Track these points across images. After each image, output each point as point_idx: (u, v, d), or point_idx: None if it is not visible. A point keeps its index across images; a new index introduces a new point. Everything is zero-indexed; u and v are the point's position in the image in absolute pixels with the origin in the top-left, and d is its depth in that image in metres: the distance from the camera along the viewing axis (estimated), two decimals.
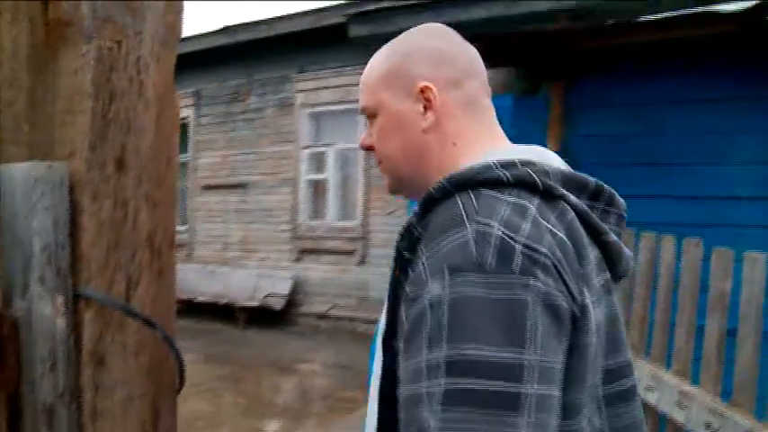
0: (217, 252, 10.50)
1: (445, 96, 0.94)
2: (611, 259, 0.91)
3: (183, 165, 11.15)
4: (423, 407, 0.74)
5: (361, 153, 8.83)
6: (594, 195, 0.91)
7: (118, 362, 0.96)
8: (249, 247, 10.13)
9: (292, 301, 9.35)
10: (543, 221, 0.80)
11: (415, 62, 0.96)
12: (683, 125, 3.01)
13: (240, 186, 10.19)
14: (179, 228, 11.23)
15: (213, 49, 9.80)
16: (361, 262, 8.88)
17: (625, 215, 0.96)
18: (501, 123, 1.00)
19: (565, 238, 0.81)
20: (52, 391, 0.89)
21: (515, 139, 1.00)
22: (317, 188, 9.59)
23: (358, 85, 1.04)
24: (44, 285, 0.89)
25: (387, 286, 0.95)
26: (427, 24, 1.00)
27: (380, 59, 1.00)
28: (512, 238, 0.77)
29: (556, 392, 0.76)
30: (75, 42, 0.96)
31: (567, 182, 0.87)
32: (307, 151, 9.52)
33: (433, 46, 0.96)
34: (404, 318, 0.82)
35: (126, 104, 0.98)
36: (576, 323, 0.80)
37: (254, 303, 9.31)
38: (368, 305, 8.73)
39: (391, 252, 0.92)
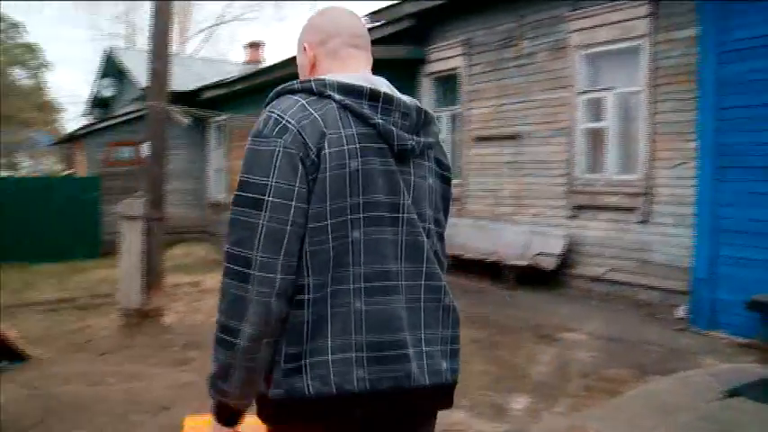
0: (488, 206, 10.15)
1: (317, 50, 1.66)
2: (382, 135, 1.51)
3: (455, 116, 10.92)
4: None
5: (645, 97, 7.70)
6: (370, 98, 1.51)
7: None
8: (522, 201, 9.58)
9: (565, 261, 8.64)
10: (308, 108, 1.47)
11: (303, 31, 1.70)
12: None
13: (513, 137, 9.64)
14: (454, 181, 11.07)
15: None
16: (644, 221, 7.81)
17: (408, 112, 1.55)
18: None
19: (317, 118, 1.46)
20: None
21: None
22: (595, 138, 8.65)
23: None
24: None
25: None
26: (321, 8, 1.72)
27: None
28: (280, 117, 1.47)
29: (290, 203, 1.42)
30: None
31: (344, 89, 1.50)
32: (583, 97, 8.61)
33: (312, 22, 1.69)
34: None
35: None
36: (315, 167, 1.44)
37: (524, 262, 8.78)
38: (649, 270, 7.68)
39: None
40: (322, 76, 1.53)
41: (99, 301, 8.76)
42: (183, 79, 15.32)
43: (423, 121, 1.59)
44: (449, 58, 10.75)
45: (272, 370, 1.47)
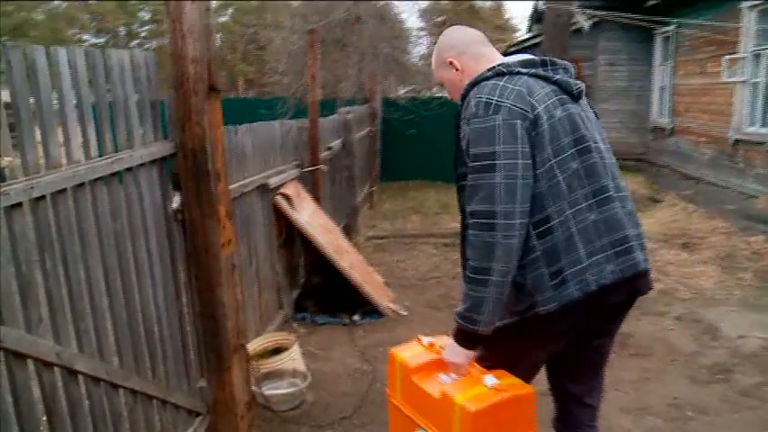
0: None
1: (460, 60, 2.20)
2: (562, 87, 2.07)
3: None
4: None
5: None
6: (542, 65, 2.09)
7: None
8: None
9: None
10: (509, 86, 1.98)
11: (441, 51, 2.25)
12: None
13: None
14: None
15: None
16: None
17: (567, 66, 2.15)
18: None
19: (521, 89, 1.97)
20: None
21: None
22: None
23: None
24: None
25: None
26: (444, 31, 2.30)
27: (433, 56, 2.29)
28: (489, 99, 1.96)
29: (518, 161, 1.89)
30: None
31: (523, 64, 2.07)
32: None
33: (446, 43, 2.25)
34: (463, 139, 2.03)
35: None
36: (534, 124, 1.94)
37: None
38: None
39: None
40: (501, 61, 2.14)
41: None
42: None
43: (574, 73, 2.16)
44: None
45: (533, 294, 1.99)
